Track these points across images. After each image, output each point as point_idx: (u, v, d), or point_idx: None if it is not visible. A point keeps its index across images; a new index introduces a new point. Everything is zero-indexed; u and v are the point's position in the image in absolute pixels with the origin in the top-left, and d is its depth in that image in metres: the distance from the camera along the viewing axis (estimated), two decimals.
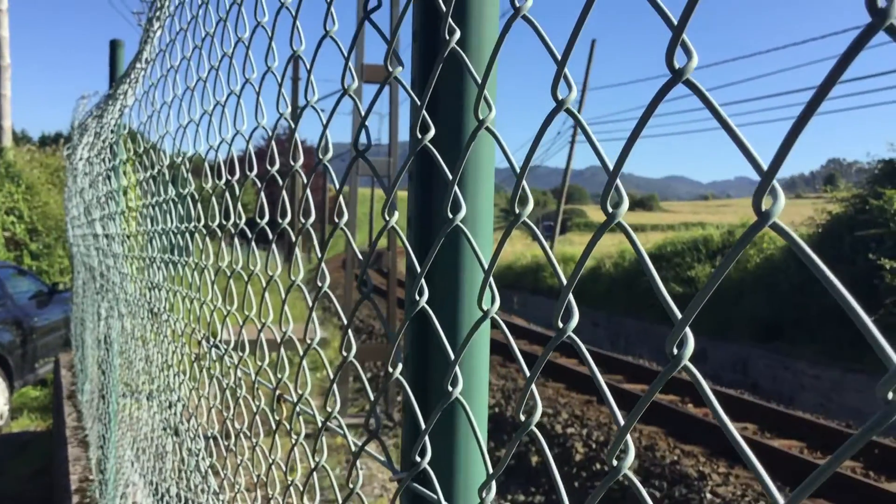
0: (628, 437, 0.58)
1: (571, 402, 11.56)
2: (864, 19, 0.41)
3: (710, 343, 17.36)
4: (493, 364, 12.98)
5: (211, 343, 1.94)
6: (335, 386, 1.15)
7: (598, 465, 8.85)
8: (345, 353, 1.06)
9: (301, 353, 1.28)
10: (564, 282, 0.64)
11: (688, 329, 0.52)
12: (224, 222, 1.75)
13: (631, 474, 0.60)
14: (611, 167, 0.57)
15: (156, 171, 2.56)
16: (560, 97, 0.63)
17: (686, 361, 0.53)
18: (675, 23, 0.50)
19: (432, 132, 0.87)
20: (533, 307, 25.38)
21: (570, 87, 0.63)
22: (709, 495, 7.62)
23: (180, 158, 2.11)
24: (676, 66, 0.50)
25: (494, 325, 0.80)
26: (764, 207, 0.49)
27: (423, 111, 0.86)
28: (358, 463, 1.09)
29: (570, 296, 0.63)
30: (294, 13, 1.23)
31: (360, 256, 1.04)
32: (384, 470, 7.07)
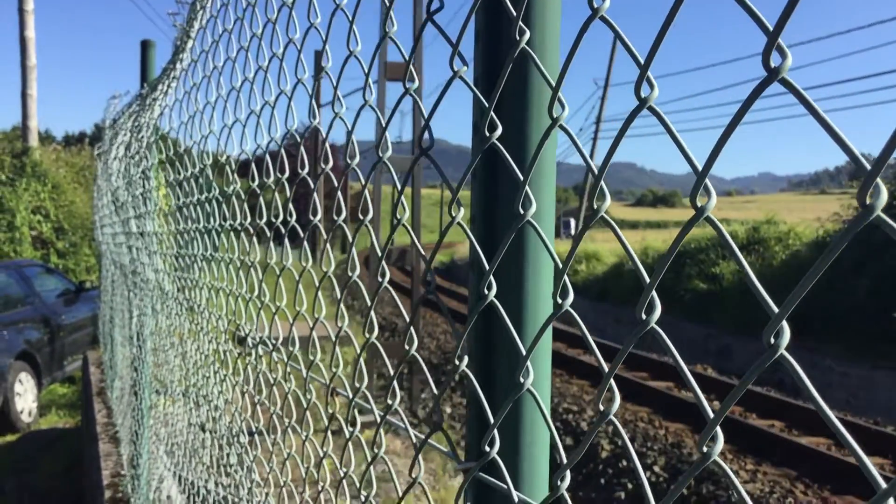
0: (718, 427, 0.60)
1: None
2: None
3: (735, 340, 17.28)
4: None
5: (258, 339, 1.98)
6: (395, 378, 1.17)
7: (624, 462, 8.84)
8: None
9: (357, 344, 1.31)
10: (647, 278, 0.67)
11: (784, 321, 0.54)
12: (272, 220, 1.79)
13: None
14: (699, 166, 0.59)
15: (197, 169, 2.60)
16: (643, 95, 0.65)
17: (783, 350, 0.54)
18: (771, 28, 0.52)
19: (500, 130, 0.89)
20: None
21: (651, 86, 0.65)
22: (727, 466, 7.60)
23: (224, 157, 2.15)
24: (772, 65, 0.52)
25: (567, 318, 0.83)
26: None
27: (492, 111, 0.88)
28: (388, 458, 1.12)
29: (654, 291, 0.65)
30: (324, 35, 1.27)
31: (423, 253, 1.06)
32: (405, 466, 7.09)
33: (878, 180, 0.47)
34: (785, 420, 10.20)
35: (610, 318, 22.17)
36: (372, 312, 1.21)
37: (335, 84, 1.33)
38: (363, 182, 1.23)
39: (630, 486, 8.33)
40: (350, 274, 1.27)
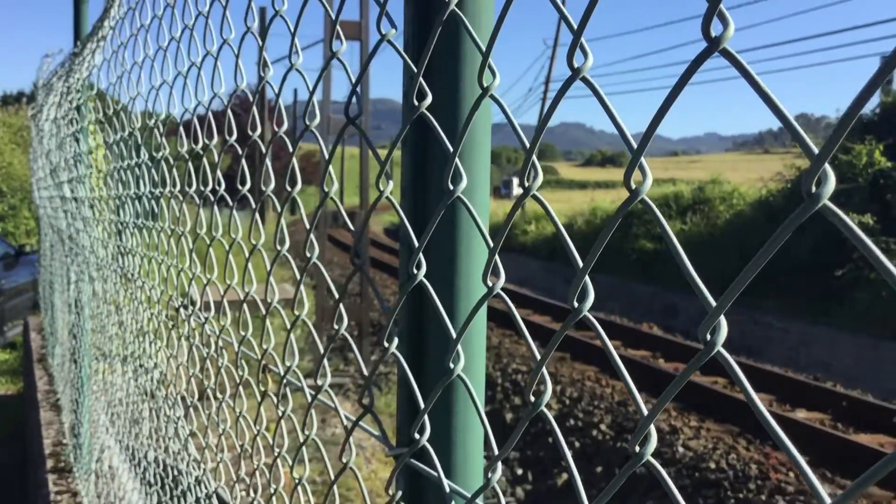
0: (652, 426, 0.56)
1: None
2: None
3: (680, 298, 17.54)
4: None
5: (190, 311, 1.90)
6: (324, 357, 1.12)
7: (572, 421, 8.95)
8: (336, 327, 1.03)
9: (286, 318, 1.25)
10: (580, 263, 0.62)
11: (722, 317, 0.50)
12: (202, 187, 1.70)
13: (653, 461, 0.58)
14: (634, 145, 0.54)
15: (126, 133, 2.49)
16: (576, 65, 0.60)
17: (719, 347, 0.50)
18: None
19: (429, 99, 0.83)
20: (506, 265, 25.42)
21: (585, 55, 0.60)
22: (681, 449, 7.75)
23: (153, 121, 2.05)
24: (713, 34, 0.48)
25: (518, 279, 0.78)
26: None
27: (420, 77, 0.82)
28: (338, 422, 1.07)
29: (587, 277, 0.60)
30: None
31: (352, 226, 1.00)
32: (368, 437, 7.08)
33: (827, 166, 0.43)
34: (727, 377, 10.39)
35: (559, 279, 22.35)
36: (301, 287, 1.15)
37: (293, 31, 1.23)
38: (291, 150, 1.16)
39: (577, 444, 8.45)
40: (279, 248, 1.21)
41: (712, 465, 7.41)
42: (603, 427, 8.71)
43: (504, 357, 11.74)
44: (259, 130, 1.30)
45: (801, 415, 8.79)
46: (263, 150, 1.21)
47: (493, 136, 0.92)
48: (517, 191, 0.74)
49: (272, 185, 1.26)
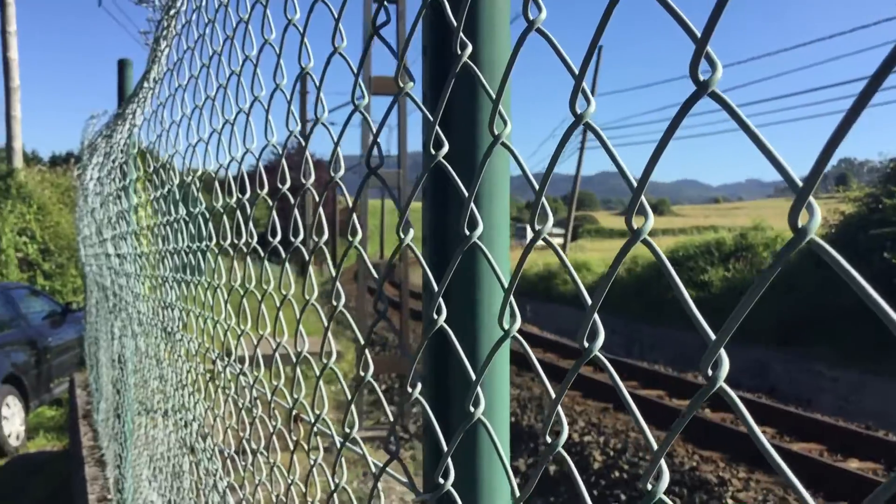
0: (662, 461, 0.56)
1: (588, 409, 11.51)
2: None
3: (727, 347, 17.23)
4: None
5: (226, 362, 1.93)
6: (352, 403, 1.13)
7: (616, 473, 8.79)
8: (363, 373, 1.04)
9: (316, 368, 1.27)
10: (589, 301, 0.63)
11: (722, 350, 0.50)
12: (236, 240, 1.74)
13: (664, 497, 0.58)
14: (634, 182, 0.56)
15: (166, 189, 2.55)
16: (579, 111, 0.62)
17: (721, 383, 0.51)
18: (699, 35, 0.48)
19: (446, 148, 0.85)
20: (546, 315, 25.29)
21: (588, 100, 0.62)
22: (730, 501, 7.56)
23: (190, 177, 2.10)
24: (701, 78, 0.49)
25: (538, 321, 0.79)
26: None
27: (437, 127, 0.85)
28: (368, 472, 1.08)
29: (596, 315, 0.61)
30: (302, 30, 1.22)
31: (375, 274, 1.02)
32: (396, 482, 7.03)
33: (811, 199, 0.43)
34: (776, 426, 10.17)
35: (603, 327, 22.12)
36: (328, 334, 1.16)
37: (318, 86, 1.27)
38: (348, 201, 1.19)
39: (623, 496, 8.28)
40: (335, 303, 1.22)
41: None
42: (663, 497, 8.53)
43: (545, 408, 11.60)
44: (313, 178, 1.33)
45: (853, 465, 8.54)
46: (317, 197, 1.23)
47: (515, 182, 0.93)
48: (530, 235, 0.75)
49: (325, 236, 1.27)
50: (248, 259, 1.69)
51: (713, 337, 0.51)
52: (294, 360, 1.37)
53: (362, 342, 1.03)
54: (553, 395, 0.70)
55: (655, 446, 0.56)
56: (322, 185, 1.25)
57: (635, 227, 0.55)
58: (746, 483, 8.15)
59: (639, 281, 21.93)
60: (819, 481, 7.98)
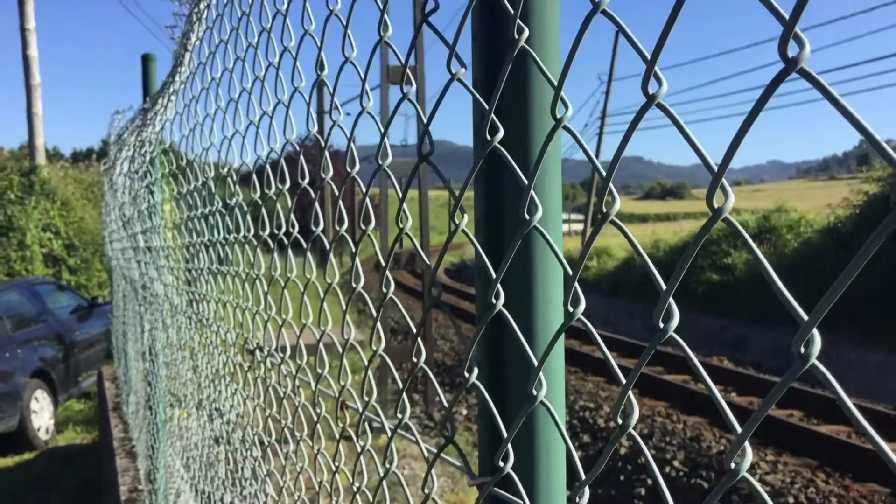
0: (747, 443, 0.57)
1: (613, 395, 11.50)
2: None
3: (750, 330, 17.18)
4: None
5: (266, 352, 1.95)
6: (404, 390, 1.14)
7: (643, 459, 8.78)
8: (415, 360, 1.05)
9: (364, 356, 1.28)
10: (664, 286, 0.63)
11: (815, 330, 0.50)
12: (276, 231, 1.76)
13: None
14: (715, 167, 0.56)
15: (200, 182, 2.57)
16: (651, 92, 0.62)
17: (814, 360, 0.51)
18: (787, 16, 0.49)
19: (501, 133, 0.85)
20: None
21: (660, 82, 0.62)
22: (757, 484, 7.54)
23: (226, 169, 2.12)
24: (790, 55, 0.49)
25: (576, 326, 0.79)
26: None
27: (492, 113, 0.85)
28: (407, 464, 1.09)
29: (671, 299, 0.61)
30: (344, 22, 1.23)
31: (427, 260, 1.03)
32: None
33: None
34: (803, 409, 10.12)
35: (623, 313, 22.10)
36: (378, 323, 1.18)
37: (332, 92, 1.30)
38: (363, 190, 1.20)
39: (649, 482, 8.28)
40: (354, 285, 1.24)
41: (791, 500, 7.19)
42: (676, 464, 8.53)
43: (570, 394, 11.62)
44: (331, 172, 1.35)
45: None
46: (336, 191, 1.24)
47: None
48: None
49: (345, 225, 1.29)
50: (290, 250, 1.70)
51: (805, 317, 0.51)
52: (340, 349, 1.38)
53: (414, 330, 1.03)
54: (620, 377, 0.71)
55: (739, 428, 0.57)
56: (340, 178, 1.26)
57: (716, 206, 0.55)
58: (774, 466, 8.13)
59: (660, 266, 21.71)
60: (846, 462, 7.94)
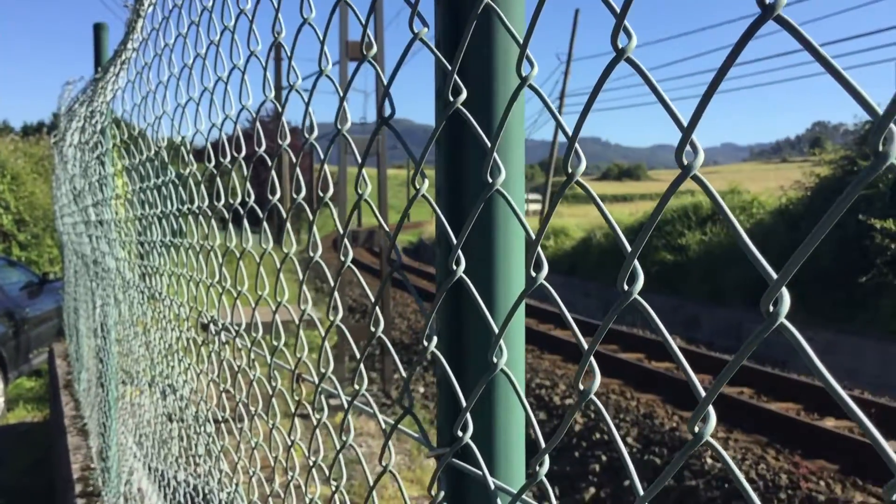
0: (710, 407, 0.55)
1: (569, 373, 11.60)
2: None
3: (703, 309, 17.43)
4: None
5: (220, 326, 1.91)
6: (361, 361, 1.12)
7: (598, 435, 8.88)
8: (373, 329, 1.03)
9: (321, 328, 1.25)
10: (629, 247, 0.62)
11: (784, 288, 0.49)
12: (231, 201, 1.71)
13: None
14: (685, 123, 0.54)
15: (152, 153, 2.51)
16: (620, 46, 0.60)
17: (783, 319, 0.50)
18: None
19: (464, 94, 0.83)
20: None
21: (629, 36, 0.60)
22: (709, 460, 7.67)
23: (180, 139, 2.06)
24: (767, 2, 0.47)
25: (538, 293, 0.78)
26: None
27: (455, 74, 0.82)
28: (363, 441, 1.07)
29: (636, 261, 0.60)
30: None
31: (386, 227, 1.01)
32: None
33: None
34: (754, 386, 10.30)
35: (579, 293, 22.27)
36: (336, 294, 1.15)
37: (290, 54, 1.26)
38: (322, 157, 1.17)
39: (604, 458, 8.38)
40: (311, 254, 1.21)
41: (741, 476, 7.33)
42: (629, 440, 8.64)
43: (527, 372, 11.69)
44: (288, 139, 1.31)
45: (829, 423, 8.68)
46: (294, 159, 1.21)
47: None
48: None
49: (303, 193, 1.26)
50: (246, 220, 1.66)
51: (774, 276, 0.50)
52: (297, 322, 1.35)
53: (372, 300, 1.01)
54: (582, 341, 0.69)
55: (703, 392, 0.56)
56: (298, 149, 1.23)
57: (685, 163, 0.54)
58: (725, 443, 8.27)
59: (616, 245, 21.97)
60: (796, 440, 8.11)
